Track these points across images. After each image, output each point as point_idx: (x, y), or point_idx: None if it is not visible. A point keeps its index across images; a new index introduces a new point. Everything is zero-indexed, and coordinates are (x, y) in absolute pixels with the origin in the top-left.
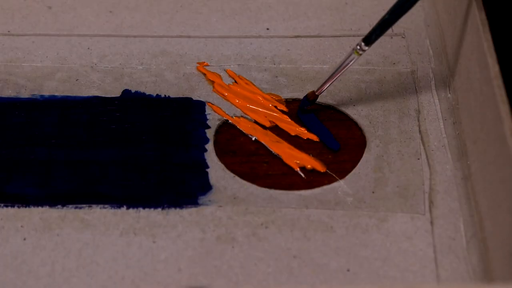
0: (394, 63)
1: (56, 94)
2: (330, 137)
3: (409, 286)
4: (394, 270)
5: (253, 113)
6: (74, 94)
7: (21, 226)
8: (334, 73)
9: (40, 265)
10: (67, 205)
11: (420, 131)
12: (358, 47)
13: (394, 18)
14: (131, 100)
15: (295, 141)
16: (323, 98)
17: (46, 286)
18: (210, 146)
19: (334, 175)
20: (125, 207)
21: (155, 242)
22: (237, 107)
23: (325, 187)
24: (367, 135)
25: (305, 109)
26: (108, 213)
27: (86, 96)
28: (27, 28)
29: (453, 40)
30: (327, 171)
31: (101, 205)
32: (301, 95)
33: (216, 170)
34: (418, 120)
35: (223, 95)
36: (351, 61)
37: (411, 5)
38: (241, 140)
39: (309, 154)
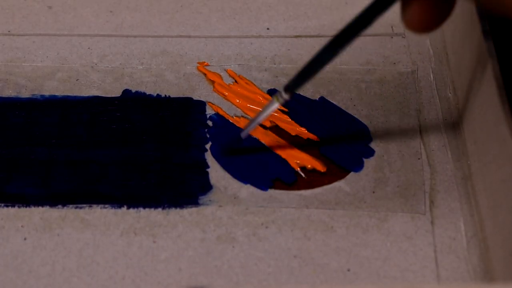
0: (394, 63)
1: (56, 94)
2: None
3: (409, 286)
4: (394, 270)
5: (254, 113)
6: (75, 94)
7: (22, 226)
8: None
9: (41, 265)
10: (68, 205)
11: (420, 131)
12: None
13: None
14: (132, 100)
15: (296, 141)
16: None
17: (47, 286)
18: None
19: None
20: (125, 207)
21: (156, 242)
22: (237, 107)
23: (325, 187)
24: None
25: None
26: (109, 213)
27: (87, 96)
28: (28, 28)
29: (454, 40)
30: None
31: (102, 205)
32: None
33: (217, 170)
34: (419, 120)
35: (223, 95)
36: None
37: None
38: None
39: (309, 154)
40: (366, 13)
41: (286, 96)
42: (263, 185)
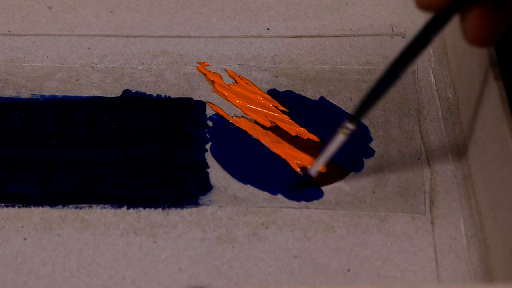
0: None
1: (56, 94)
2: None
3: (410, 286)
4: (394, 270)
5: (254, 113)
6: (75, 94)
7: (22, 226)
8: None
9: (41, 265)
10: (68, 205)
11: (420, 131)
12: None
13: (380, 92)
14: (132, 100)
15: (296, 141)
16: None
17: (47, 286)
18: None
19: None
20: (125, 207)
21: (156, 242)
22: (237, 107)
23: (325, 187)
24: None
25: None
26: (109, 213)
27: (87, 96)
28: (28, 28)
29: (454, 40)
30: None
31: (102, 205)
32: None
33: (217, 170)
34: (419, 120)
35: (223, 95)
36: (338, 141)
37: (395, 79)
38: None
39: (309, 154)
40: (425, 31)
41: (351, 127)
42: (264, 187)
